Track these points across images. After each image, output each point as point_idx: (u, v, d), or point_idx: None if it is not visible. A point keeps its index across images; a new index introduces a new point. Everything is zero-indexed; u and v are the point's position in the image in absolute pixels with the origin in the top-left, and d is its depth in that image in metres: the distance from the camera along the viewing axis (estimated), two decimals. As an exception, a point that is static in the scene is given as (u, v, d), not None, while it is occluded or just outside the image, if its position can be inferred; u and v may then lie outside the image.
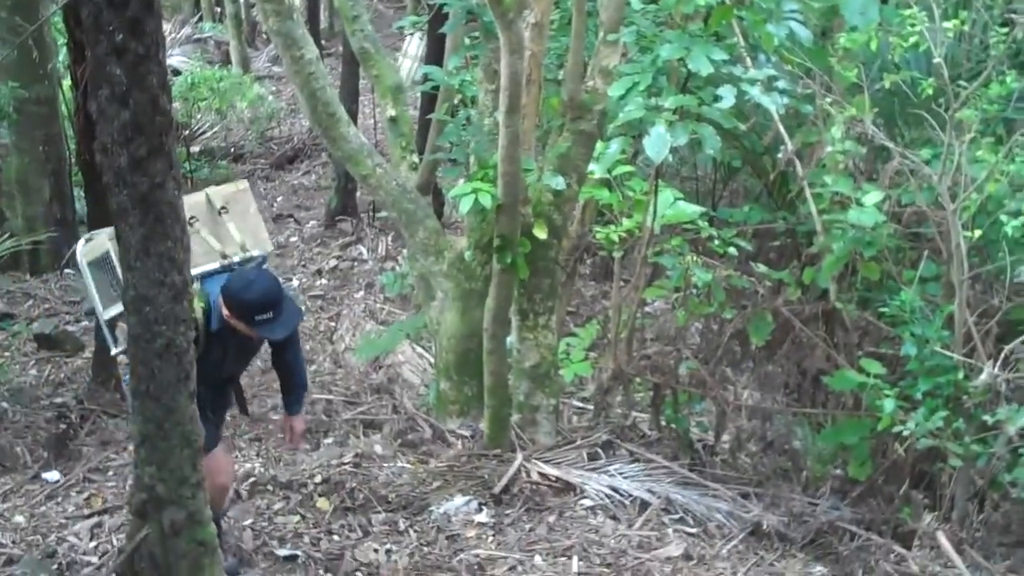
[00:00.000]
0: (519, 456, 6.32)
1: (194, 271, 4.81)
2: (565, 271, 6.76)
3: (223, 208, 5.31)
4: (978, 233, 5.67)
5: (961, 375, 5.59)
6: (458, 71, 6.63)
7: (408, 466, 6.47)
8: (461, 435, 6.76)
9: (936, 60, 5.68)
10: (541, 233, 6.25)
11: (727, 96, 5.61)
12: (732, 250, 6.86)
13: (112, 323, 5.19)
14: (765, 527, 6.07)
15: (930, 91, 5.78)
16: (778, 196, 8.00)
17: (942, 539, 5.50)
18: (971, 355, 5.77)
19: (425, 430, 7.02)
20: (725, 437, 6.91)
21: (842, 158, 6.50)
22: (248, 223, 5.38)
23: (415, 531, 5.85)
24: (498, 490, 6.11)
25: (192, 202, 5.13)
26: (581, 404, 7.61)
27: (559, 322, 6.75)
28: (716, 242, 6.86)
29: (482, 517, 5.97)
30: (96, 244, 5.26)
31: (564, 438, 6.71)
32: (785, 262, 7.55)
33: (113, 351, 5.27)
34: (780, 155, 7.25)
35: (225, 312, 4.90)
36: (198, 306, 4.84)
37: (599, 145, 6.33)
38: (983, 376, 5.49)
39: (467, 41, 6.83)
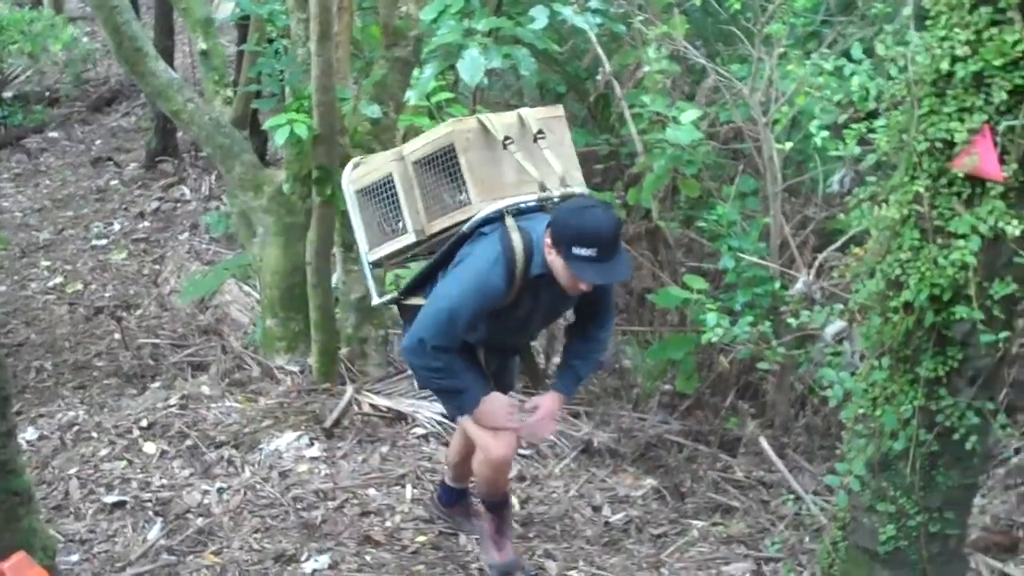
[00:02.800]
0: (349, 389, 6.25)
1: (509, 202, 4.30)
2: (389, 201, 6.67)
3: (539, 133, 4.49)
4: (789, 145, 5.77)
5: (778, 285, 5.73)
6: (266, 0, 6.45)
7: (237, 405, 6.35)
8: (290, 371, 6.66)
9: (743, -24, 5.75)
10: (360, 163, 6.15)
11: (540, 17, 5.60)
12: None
13: (378, 265, 4.76)
14: (596, 444, 6.15)
15: (738, 6, 5.84)
16: (601, 119, 8.04)
17: (764, 444, 5.65)
18: (789, 266, 5.92)
19: (253, 368, 6.90)
20: (556, 359, 6.96)
21: (659, 78, 6.54)
22: (564, 153, 4.59)
23: (246, 469, 5.76)
24: (329, 424, 6.03)
25: (504, 122, 4.46)
26: (414, 334, 7.57)
27: (385, 253, 6.67)
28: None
29: (314, 451, 5.89)
30: (370, 169, 4.68)
31: (395, 369, 6.66)
32: (610, 184, 7.61)
33: (374, 301, 4.85)
34: (599, 77, 7.29)
35: (548, 245, 4.11)
36: (517, 246, 4.19)
37: (415, 72, 6.25)
38: (798, 285, 5.63)
39: (278, -31, 6.66)
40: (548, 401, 4.58)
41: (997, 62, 3.26)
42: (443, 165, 4.42)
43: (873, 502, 3.73)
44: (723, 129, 6.81)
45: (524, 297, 4.27)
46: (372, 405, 6.22)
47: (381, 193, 4.59)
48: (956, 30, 3.32)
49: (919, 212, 3.45)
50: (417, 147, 4.50)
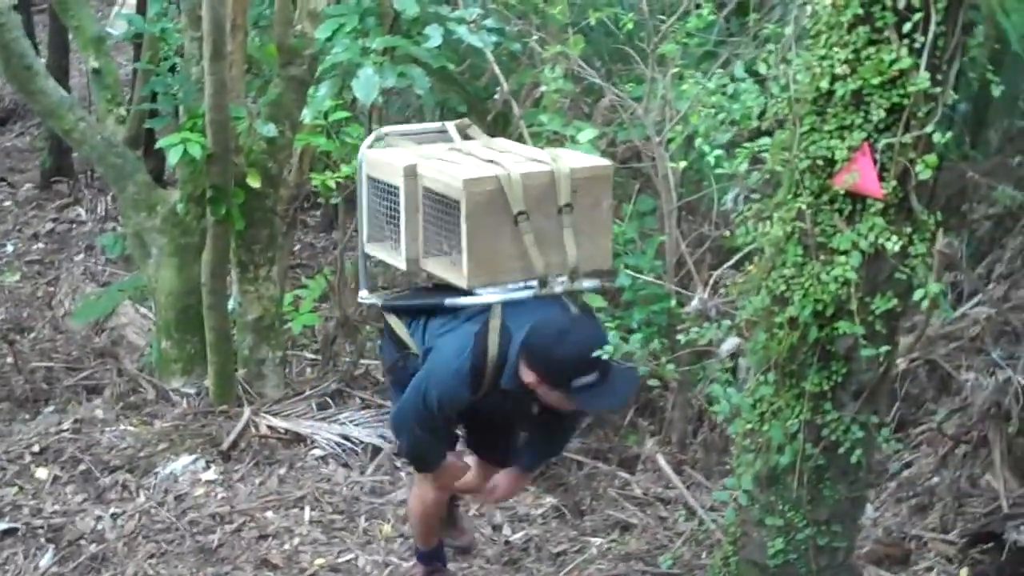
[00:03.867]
0: (246, 411, 6.18)
1: (501, 297, 3.98)
2: (285, 221, 6.61)
3: (567, 206, 3.99)
4: (683, 164, 5.82)
5: (673, 303, 5.77)
6: (159, 18, 6.36)
7: (132, 429, 6.24)
8: (186, 393, 6.55)
9: (634, -5, 5.81)
10: (255, 183, 6.10)
11: (434, 36, 5.60)
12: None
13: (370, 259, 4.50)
14: (497, 464, 6.14)
15: (631, 26, 5.89)
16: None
17: (661, 461, 5.69)
18: (687, 283, 5.97)
19: (149, 391, 6.78)
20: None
21: (557, 97, 6.57)
22: (595, 228, 4.09)
23: (141, 494, 5.67)
24: (226, 446, 5.96)
25: (532, 182, 3.95)
26: (313, 356, 7.52)
27: (281, 273, 6.61)
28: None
29: (210, 475, 5.82)
30: (386, 160, 4.27)
31: (293, 390, 6.61)
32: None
33: (361, 295, 4.59)
34: (497, 96, 7.29)
35: (527, 377, 3.85)
36: (492, 353, 3.90)
37: (311, 90, 6.21)
38: (694, 302, 5.67)
39: (172, -14, 6.58)
40: (507, 480, 4.48)
41: (875, 80, 3.32)
42: (448, 213, 4.04)
43: (762, 516, 3.77)
44: (621, 148, 6.85)
45: (491, 396, 4.03)
46: (270, 427, 6.16)
47: (388, 195, 4.26)
48: (835, 49, 3.38)
49: (802, 229, 3.50)
50: (432, 176, 4.08)
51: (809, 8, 3.52)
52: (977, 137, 10.14)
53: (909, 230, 3.44)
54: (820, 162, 3.44)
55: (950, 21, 3.35)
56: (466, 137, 4.54)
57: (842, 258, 3.41)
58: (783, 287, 3.55)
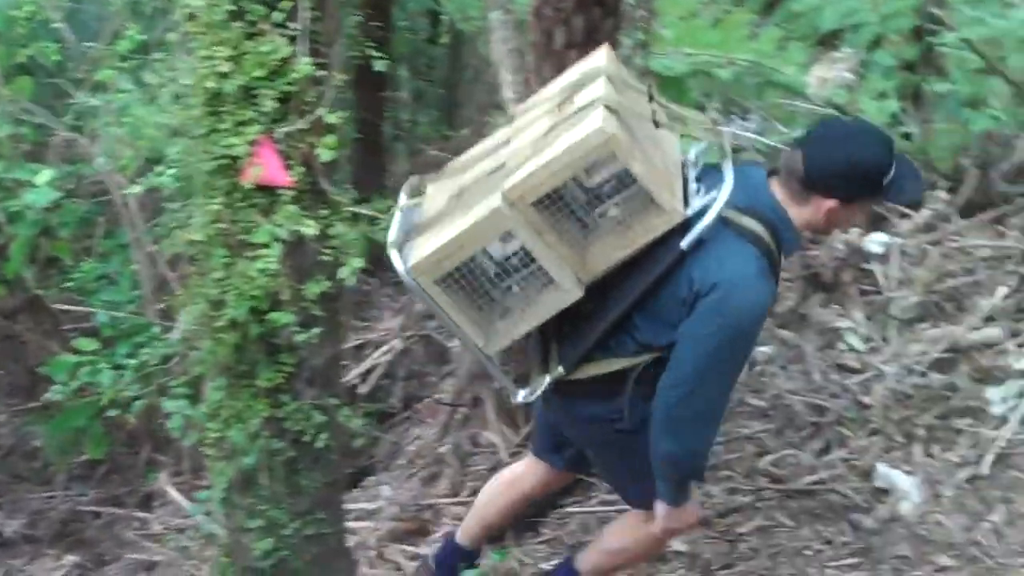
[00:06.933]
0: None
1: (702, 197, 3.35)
2: None
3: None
4: (139, 188, 5.68)
5: (157, 330, 5.65)
6: None
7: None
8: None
9: (57, 26, 5.61)
10: None
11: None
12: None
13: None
14: (11, 534, 5.82)
15: (57, 57, 5.68)
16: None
17: (173, 492, 5.57)
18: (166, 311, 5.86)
19: None
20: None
21: (7, 142, 6.26)
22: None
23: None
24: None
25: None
26: None
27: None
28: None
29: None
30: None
31: None
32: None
33: (521, 398, 3.57)
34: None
35: (822, 214, 3.40)
36: (749, 224, 3.37)
37: None
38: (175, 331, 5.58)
39: None
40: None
41: (260, 73, 3.35)
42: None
43: (244, 521, 3.75)
44: (87, 183, 6.63)
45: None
46: None
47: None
48: (216, 48, 3.38)
49: (222, 229, 3.49)
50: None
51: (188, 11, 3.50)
52: (453, 117, 10.68)
53: (327, 212, 3.51)
54: (225, 161, 3.44)
55: (326, 6, 3.45)
56: None
57: (264, 251, 3.43)
58: (216, 290, 3.53)
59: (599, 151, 3.18)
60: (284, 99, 3.40)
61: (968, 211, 6.05)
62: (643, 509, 3.86)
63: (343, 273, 3.48)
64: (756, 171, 3.58)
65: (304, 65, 3.36)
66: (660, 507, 3.67)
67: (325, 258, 3.51)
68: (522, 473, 4.29)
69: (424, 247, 3.36)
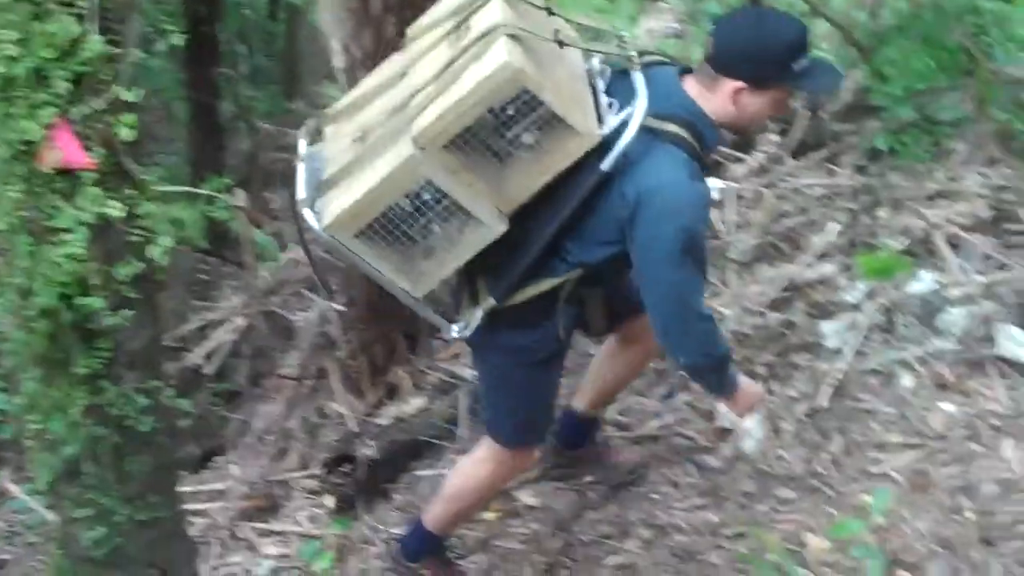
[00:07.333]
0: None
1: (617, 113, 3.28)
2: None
3: None
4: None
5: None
6: None
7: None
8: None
9: None
10: None
11: None
12: None
13: None
14: None
15: None
16: None
17: (13, 489, 5.44)
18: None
19: None
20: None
21: None
22: None
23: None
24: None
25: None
26: None
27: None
28: None
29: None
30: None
31: None
32: None
33: (453, 334, 3.60)
34: None
35: (731, 99, 3.36)
36: (672, 127, 3.32)
37: None
38: None
39: None
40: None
41: (50, 55, 3.27)
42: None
43: (73, 511, 3.68)
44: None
45: None
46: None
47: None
48: (2, 31, 3.29)
49: (25, 217, 3.41)
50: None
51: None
52: (293, 91, 10.58)
53: (134, 192, 3.45)
54: (21, 147, 3.35)
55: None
56: None
57: (69, 236, 3.35)
58: (23, 279, 3.45)
59: (508, 87, 3.12)
60: (78, 80, 3.32)
61: (800, 151, 6.18)
62: (496, 443, 3.98)
63: (153, 253, 3.43)
64: (665, 72, 3.53)
65: (95, 43, 3.28)
66: (721, 405, 4.08)
67: (135, 239, 3.46)
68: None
69: (338, 203, 3.30)
